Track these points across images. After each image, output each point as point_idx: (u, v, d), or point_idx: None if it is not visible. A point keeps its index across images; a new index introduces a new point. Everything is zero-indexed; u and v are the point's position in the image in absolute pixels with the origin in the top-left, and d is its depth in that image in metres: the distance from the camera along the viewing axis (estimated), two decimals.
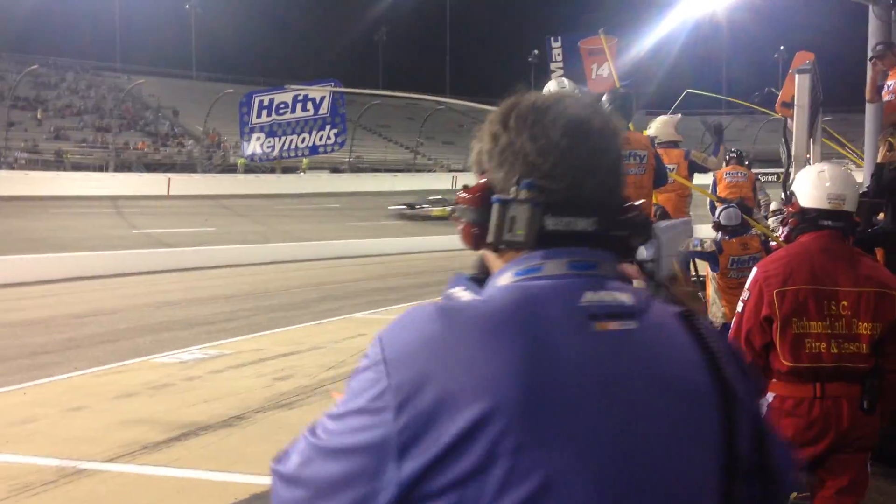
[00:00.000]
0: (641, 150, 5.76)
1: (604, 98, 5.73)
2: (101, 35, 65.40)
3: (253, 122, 7.28)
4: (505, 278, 1.06)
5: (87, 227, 30.75)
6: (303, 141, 7.31)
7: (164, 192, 42.30)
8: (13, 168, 41.34)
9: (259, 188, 43.77)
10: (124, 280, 19.40)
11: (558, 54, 7.47)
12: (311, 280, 21.12)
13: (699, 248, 6.09)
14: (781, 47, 72.35)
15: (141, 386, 8.24)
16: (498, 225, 1.06)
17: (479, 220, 1.09)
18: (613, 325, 1.01)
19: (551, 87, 4.99)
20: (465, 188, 1.13)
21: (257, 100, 7.32)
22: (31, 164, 42.93)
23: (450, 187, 55.28)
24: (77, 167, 44.11)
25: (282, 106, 7.37)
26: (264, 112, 7.32)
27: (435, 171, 59.69)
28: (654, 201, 6.23)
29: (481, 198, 1.09)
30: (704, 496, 1.02)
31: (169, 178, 44.14)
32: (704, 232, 7.37)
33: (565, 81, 5.21)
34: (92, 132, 50.97)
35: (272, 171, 48.93)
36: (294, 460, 1.05)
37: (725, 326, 5.99)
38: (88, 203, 36.55)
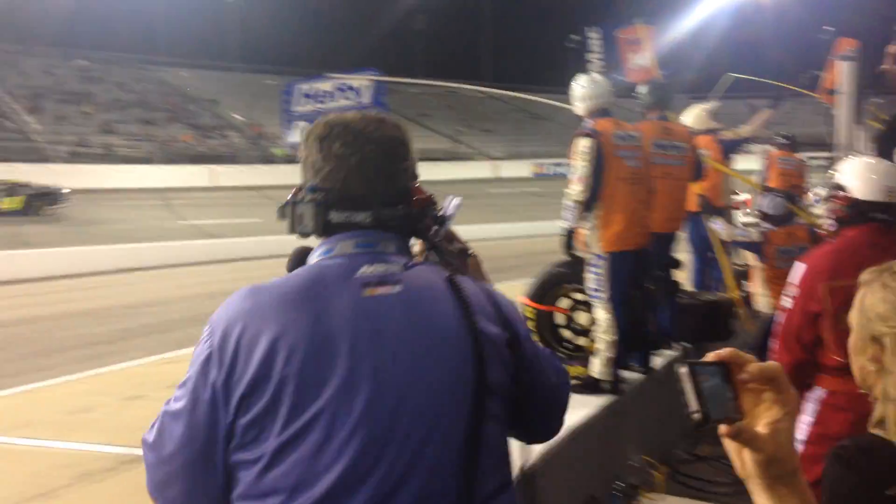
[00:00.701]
0: (682, 142, 5.76)
1: (642, 89, 5.74)
2: (144, 28, 66.35)
3: (294, 110, 7.37)
4: (313, 258, 1.44)
5: (136, 219, 31.37)
6: None
7: (209, 184, 42.93)
8: (64, 162, 42.21)
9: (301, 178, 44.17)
10: (174, 271, 19.78)
11: (596, 44, 7.46)
12: None
13: (744, 238, 6.07)
14: (825, 27, 70.81)
15: None
16: (291, 220, 1.45)
17: (290, 216, 1.47)
18: (381, 290, 1.35)
19: (582, 80, 5.03)
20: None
21: (299, 88, 7.41)
22: (81, 158, 43.76)
23: (490, 175, 55.22)
24: (125, 160, 44.88)
25: (323, 94, 7.45)
26: (307, 100, 7.40)
27: (475, 160, 59.64)
28: (698, 190, 6.23)
29: (292, 197, 1.47)
30: (453, 412, 1.30)
31: (213, 170, 44.77)
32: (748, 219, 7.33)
33: (596, 76, 5.24)
34: (138, 125, 51.80)
35: None
36: (155, 428, 1.39)
37: (774, 317, 5.94)
38: (137, 195, 37.30)
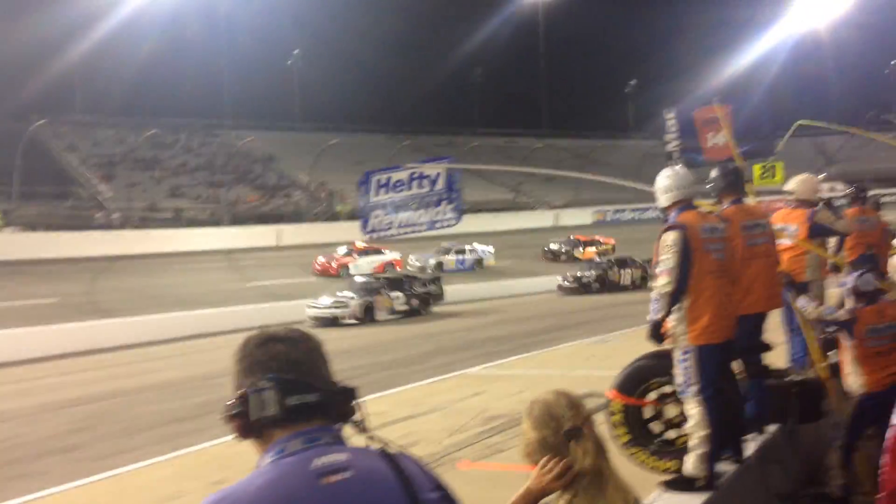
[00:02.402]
0: (763, 219, 5.70)
1: (714, 174, 5.71)
2: (208, 93, 68.57)
3: (372, 199, 7.53)
4: (265, 460, 1.62)
5: (204, 282, 32.09)
6: (420, 217, 7.52)
7: (275, 243, 43.78)
8: (135, 227, 43.58)
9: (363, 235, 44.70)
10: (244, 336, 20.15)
11: (672, 125, 7.49)
12: (422, 330, 21.45)
13: (831, 318, 5.93)
14: (893, 62, 69.55)
15: None
16: (256, 406, 1.63)
17: (242, 420, 1.65)
18: (335, 478, 1.53)
19: (666, 172, 5.04)
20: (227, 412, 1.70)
21: (375, 178, 7.58)
22: (150, 222, 45.16)
23: (551, 224, 55.17)
24: (192, 223, 46.13)
25: (398, 183, 7.59)
26: (382, 190, 7.56)
27: (536, 209, 59.68)
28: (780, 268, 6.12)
29: (239, 402, 1.66)
30: None
31: (279, 229, 45.67)
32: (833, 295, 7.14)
33: (679, 168, 5.24)
34: (205, 188, 53.30)
35: None
36: None
37: (866, 396, 5.78)
38: (205, 258, 38.19)
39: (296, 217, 50.51)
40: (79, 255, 35.55)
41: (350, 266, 35.44)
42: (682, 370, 4.72)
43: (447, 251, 39.60)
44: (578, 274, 31.32)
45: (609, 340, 15.51)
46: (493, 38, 75.91)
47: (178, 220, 46.60)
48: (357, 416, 1.71)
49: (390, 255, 37.76)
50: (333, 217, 51.29)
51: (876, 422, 5.48)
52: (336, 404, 1.68)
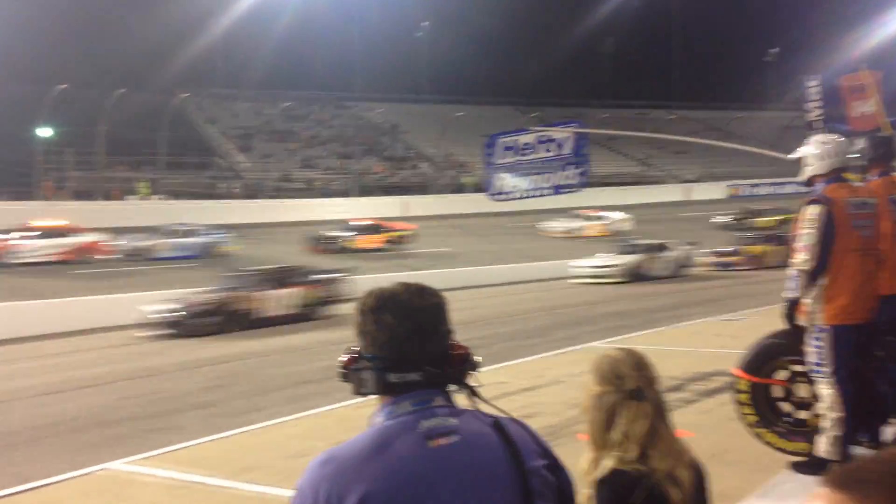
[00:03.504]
0: None
1: (863, 143, 5.34)
2: (339, 67, 70.09)
3: (497, 162, 7.49)
4: (376, 420, 1.63)
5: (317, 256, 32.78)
6: (546, 180, 7.42)
7: (402, 214, 44.45)
8: (269, 197, 45.23)
9: (490, 206, 44.73)
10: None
11: (815, 93, 7.06)
12: (545, 303, 21.34)
13: None
14: None
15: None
16: (356, 384, 1.66)
17: (352, 380, 1.67)
18: (443, 441, 1.55)
19: (813, 140, 4.75)
20: (348, 351, 1.69)
21: (501, 140, 7.53)
22: (285, 192, 46.74)
23: (681, 199, 53.57)
24: (324, 193, 47.45)
25: (525, 146, 7.51)
26: (509, 153, 7.50)
27: (666, 183, 58.08)
28: None
29: (351, 362, 1.67)
30: None
31: (405, 200, 46.36)
32: None
33: (828, 136, 4.93)
34: (336, 159, 54.66)
35: None
36: None
37: None
38: (334, 227, 39.15)
39: (422, 188, 51.10)
40: (219, 222, 37.14)
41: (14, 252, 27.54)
42: (816, 350, 4.50)
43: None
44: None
45: (739, 319, 14.99)
46: (624, 7, 73.96)
47: (310, 191, 48.02)
48: (471, 382, 1.70)
49: (90, 237, 29.48)
50: (459, 188, 51.60)
51: None
52: (445, 375, 1.67)
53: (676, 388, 9.44)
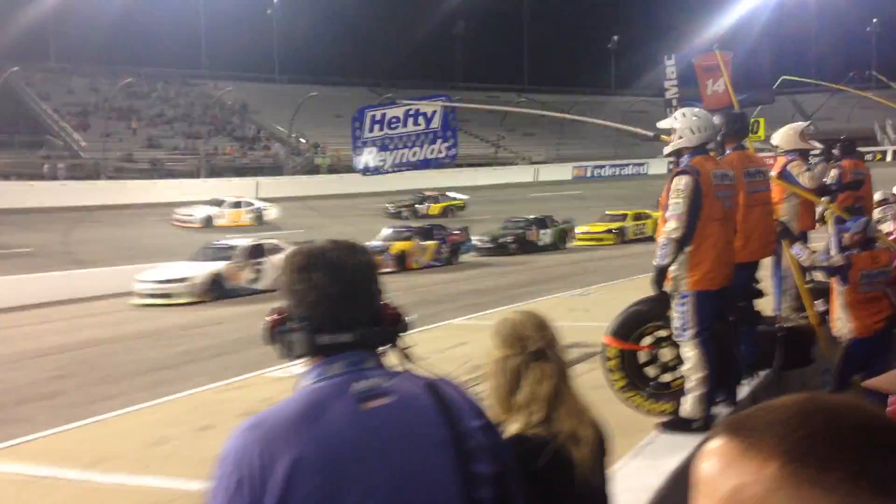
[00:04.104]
0: (763, 167, 5.68)
1: (718, 119, 5.62)
2: (186, 43, 67.32)
3: (365, 136, 7.38)
4: (303, 382, 1.55)
5: (181, 234, 31.76)
6: (414, 154, 7.39)
7: (254, 196, 43.33)
8: (110, 178, 42.97)
9: (343, 188, 44.41)
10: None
11: (672, 72, 7.39)
12: (403, 284, 21.40)
13: (826, 263, 5.94)
14: (875, 20, 69.57)
15: (262, 403, 8.28)
16: (283, 346, 1.58)
17: (279, 341, 1.58)
18: (376, 403, 1.50)
19: (685, 113, 4.93)
20: (273, 312, 1.60)
21: (369, 114, 7.43)
22: (127, 173, 44.54)
23: (532, 180, 55.09)
24: (170, 174, 45.57)
25: (393, 120, 7.45)
26: (376, 126, 7.41)
27: (517, 164, 59.53)
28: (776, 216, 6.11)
29: (276, 324, 1.58)
30: None
31: (257, 182, 45.21)
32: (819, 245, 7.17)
33: (700, 110, 5.16)
34: (183, 139, 52.58)
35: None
36: None
37: (855, 342, 5.84)
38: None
39: (275, 170, 50.02)
40: (54, 205, 35.01)
41: None
42: (680, 314, 4.71)
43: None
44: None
45: (590, 293, 15.56)
46: None
47: (155, 171, 45.98)
48: (400, 343, 1.65)
49: None
50: (314, 170, 50.86)
51: (865, 366, 5.57)
52: (377, 336, 1.62)
53: None
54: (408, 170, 7.61)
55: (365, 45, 74.10)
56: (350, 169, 48.30)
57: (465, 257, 26.10)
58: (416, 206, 40.35)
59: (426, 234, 25.17)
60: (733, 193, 4.86)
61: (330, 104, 58.01)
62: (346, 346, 1.56)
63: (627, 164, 60.65)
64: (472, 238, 27.61)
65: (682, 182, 4.61)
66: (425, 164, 7.58)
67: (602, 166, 59.74)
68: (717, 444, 0.72)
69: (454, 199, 42.07)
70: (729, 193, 4.80)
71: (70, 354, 12.48)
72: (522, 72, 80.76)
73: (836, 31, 69.02)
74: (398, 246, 24.13)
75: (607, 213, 32.47)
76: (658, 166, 61.24)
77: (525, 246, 27.90)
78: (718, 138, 5.58)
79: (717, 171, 4.79)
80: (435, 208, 40.39)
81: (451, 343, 11.14)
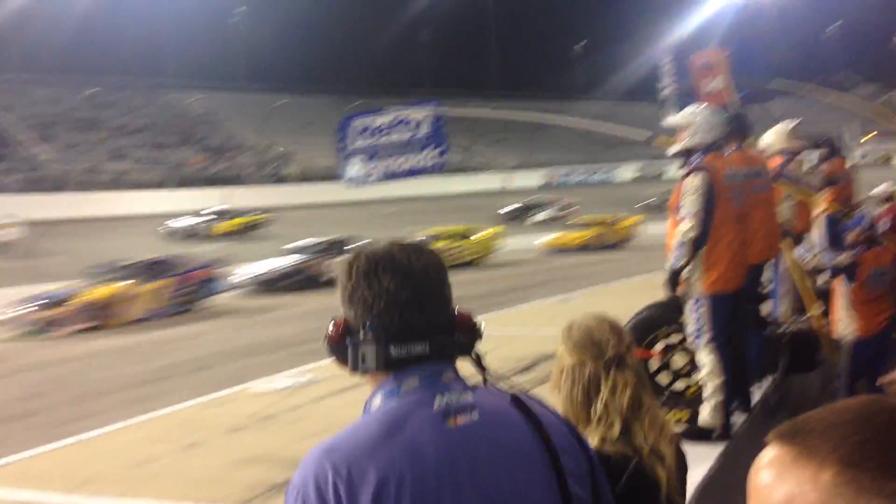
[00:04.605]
0: (763, 167, 5.57)
1: (717, 118, 5.51)
2: (150, 51, 66.54)
3: (351, 145, 7.16)
4: (376, 401, 1.40)
5: (151, 247, 31.16)
6: (402, 163, 7.20)
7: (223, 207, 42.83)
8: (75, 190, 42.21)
9: (315, 197, 44.15)
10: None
11: (669, 69, 7.31)
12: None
13: (832, 263, 5.86)
14: (840, 22, 70.73)
15: (248, 418, 8.27)
16: (353, 360, 1.41)
17: (342, 355, 1.42)
18: (462, 420, 1.36)
19: (694, 111, 4.81)
20: (334, 322, 1.44)
21: (355, 122, 7.20)
22: (92, 185, 43.78)
23: (500, 187, 55.08)
24: (137, 185, 44.88)
25: (381, 128, 7.24)
26: (363, 135, 7.20)
27: (487, 171, 59.53)
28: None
29: (341, 336, 1.42)
30: None
31: (226, 192, 44.70)
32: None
33: (710, 107, 5.03)
34: (149, 150, 51.87)
35: (327, 179, 49.31)
36: None
37: (859, 343, 5.77)
38: (149, 222, 37.16)
39: (243, 180, 49.52)
40: (17, 218, 34.26)
41: None
42: (695, 319, 4.58)
43: None
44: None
45: (572, 299, 15.50)
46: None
47: (121, 183, 45.26)
48: (476, 353, 1.49)
49: None
50: (282, 179, 50.44)
51: (870, 366, 5.51)
52: (453, 345, 1.46)
53: (527, 369, 9.60)
54: (396, 179, 7.42)
55: (332, 53, 73.78)
56: (323, 177, 48.30)
57: (217, 301, 19.08)
58: (202, 223, 35.15)
59: (150, 271, 18.09)
60: (746, 193, 4.74)
61: (299, 112, 57.67)
62: (422, 357, 1.42)
63: (597, 171, 61.13)
64: (242, 271, 21.34)
65: (696, 180, 4.48)
66: (414, 172, 7.39)
67: (572, 172, 60.06)
68: (771, 452, 0.71)
69: (252, 214, 37.65)
70: (742, 193, 4.69)
71: (42, 372, 12.11)
72: (489, 78, 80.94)
73: (797, 34, 70.07)
74: (97, 293, 16.83)
75: (423, 233, 25.66)
76: (626, 172, 61.78)
77: (309, 281, 20.94)
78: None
79: (730, 170, 4.68)
80: (223, 227, 35.30)
81: None
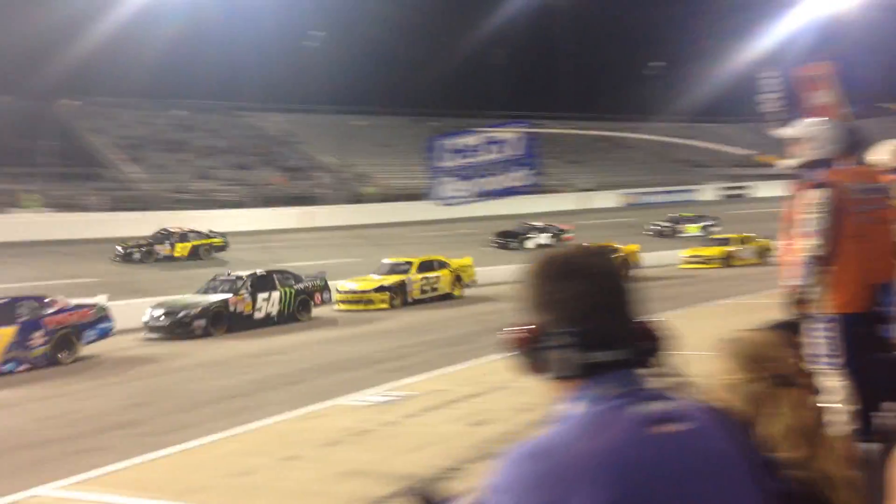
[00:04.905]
0: (881, 184, 5.37)
1: (838, 131, 5.33)
2: (232, 76, 68.42)
3: (441, 165, 7.20)
4: (578, 407, 1.36)
5: (237, 264, 31.91)
6: (495, 183, 7.20)
7: (304, 225, 43.66)
8: (164, 209, 43.54)
9: (392, 216, 44.60)
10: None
11: (772, 84, 7.16)
12: (462, 311, 21.18)
13: None
14: None
15: (343, 432, 8.31)
16: (555, 365, 1.37)
17: (533, 359, 1.38)
18: (667, 428, 1.31)
19: (810, 124, 4.67)
20: (520, 328, 1.39)
21: (444, 143, 7.27)
22: (180, 204, 45.13)
23: (575, 207, 54.70)
24: (221, 205, 46.07)
25: (471, 149, 7.27)
26: (453, 156, 7.24)
27: (562, 192, 59.17)
28: None
29: (532, 340, 1.38)
30: None
31: (305, 211, 45.57)
32: None
33: (826, 119, 4.89)
34: (232, 170, 53.25)
35: (403, 198, 49.80)
36: None
37: None
38: (235, 239, 38.09)
39: (322, 199, 50.38)
40: (111, 235, 35.57)
41: None
42: (826, 341, 4.40)
43: None
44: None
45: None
46: (514, 20, 75.27)
47: (207, 202, 46.57)
48: (667, 360, 1.45)
49: None
50: (359, 199, 51.13)
51: None
52: (648, 350, 1.43)
53: None
54: (489, 199, 7.42)
55: (406, 74, 74.67)
56: (402, 197, 48.78)
57: (100, 347, 15.73)
58: (155, 245, 33.53)
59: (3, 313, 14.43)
60: (869, 209, 4.56)
61: (373, 133, 58.46)
62: (620, 362, 1.39)
63: (676, 191, 60.20)
64: (152, 311, 18.36)
65: (819, 195, 4.32)
66: (507, 193, 7.38)
67: (652, 192, 59.27)
68: None
69: (209, 236, 35.61)
70: (865, 209, 4.51)
71: (142, 383, 12.46)
72: (562, 98, 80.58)
73: (883, 52, 67.87)
74: None
75: (386, 261, 23.47)
76: (706, 192, 60.64)
77: (232, 321, 18.47)
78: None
79: (853, 184, 4.49)
80: (180, 249, 34.06)
81: None
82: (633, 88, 78.81)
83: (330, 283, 21.52)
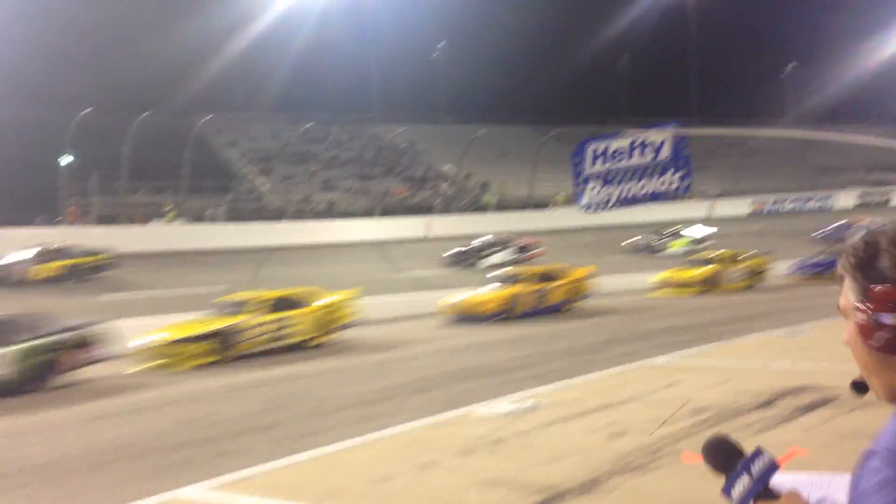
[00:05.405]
0: None
1: None
2: (356, 89, 70.06)
3: (587, 171, 7.03)
4: None
5: (358, 272, 32.54)
6: (642, 188, 6.96)
7: (424, 234, 44.07)
8: (292, 219, 44.97)
9: (513, 225, 44.34)
10: (401, 326, 20.14)
11: None
12: (588, 321, 20.84)
13: None
14: None
15: (477, 441, 8.23)
16: None
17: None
18: None
19: None
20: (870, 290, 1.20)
21: (591, 148, 7.09)
22: (305, 215, 46.46)
23: (705, 215, 52.94)
24: (345, 215, 47.14)
25: (618, 153, 7.06)
26: (599, 160, 7.05)
27: (690, 199, 57.44)
28: None
29: None
30: None
31: (427, 221, 46.01)
32: None
33: None
34: (356, 181, 54.46)
35: (523, 207, 49.63)
36: None
37: None
38: (357, 248, 38.88)
39: (443, 208, 50.77)
40: (242, 245, 36.95)
41: None
42: None
43: None
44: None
45: (800, 333, 14.46)
46: (638, 25, 73.98)
47: (331, 212, 47.77)
48: None
49: None
50: (481, 208, 51.26)
51: None
52: None
53: (767, 404, 8.96)
54: (635, 205, 7.19)
55: (528, 83, 74.46)
56: (519, 206, 48.67)
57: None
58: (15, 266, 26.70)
59: None
60: None
61: (496, 143, 58.51)
62: None
63: (811, 198, 57.52)
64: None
65: None
66: (654, 197, 7.13)
67: (783, 200, 56.85)
68: None
69: (90, 254, 28.57)
70: None
71: (276, 387, 12.80)
72: (689, 105, 78.45)
73: None
74: None
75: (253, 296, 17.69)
76: (846, 199, 57.55)
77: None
78: None
79: None
80: (45, 269, 26.68)
81: (661, 384, 10.51)
82: (763, 93, 75.94)
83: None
